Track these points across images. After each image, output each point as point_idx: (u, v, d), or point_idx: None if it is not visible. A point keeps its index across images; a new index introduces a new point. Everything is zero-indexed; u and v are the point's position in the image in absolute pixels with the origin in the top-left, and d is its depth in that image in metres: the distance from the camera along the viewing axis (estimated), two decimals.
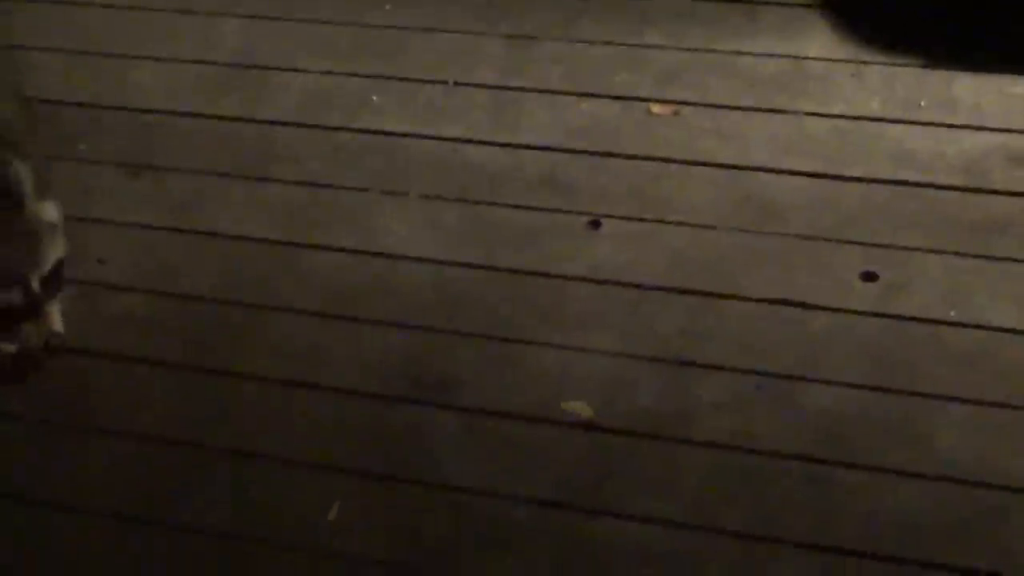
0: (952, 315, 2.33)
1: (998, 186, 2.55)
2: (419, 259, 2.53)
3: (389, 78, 2.93)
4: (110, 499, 2.09)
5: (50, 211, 2.18)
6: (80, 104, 2.96)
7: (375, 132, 2.81)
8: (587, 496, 2.04)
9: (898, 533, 2.00)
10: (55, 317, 2.20)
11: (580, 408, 2.21)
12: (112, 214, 2.63)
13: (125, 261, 2.52)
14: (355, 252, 2.55)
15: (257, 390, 2.28)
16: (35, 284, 2.11)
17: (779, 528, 2.01)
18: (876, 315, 2.34)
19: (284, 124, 2.86)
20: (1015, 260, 2.42)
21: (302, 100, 2.91)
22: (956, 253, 2.44)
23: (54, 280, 2.18)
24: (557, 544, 2.01)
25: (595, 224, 2.55)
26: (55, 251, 2.15)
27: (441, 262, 2.52)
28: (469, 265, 2.51)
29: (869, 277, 2.41)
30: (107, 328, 2.39)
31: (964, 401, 2.19)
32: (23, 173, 2.12)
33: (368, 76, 2.94)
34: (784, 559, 1.97)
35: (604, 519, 2.01)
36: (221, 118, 2.89)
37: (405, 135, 2.79)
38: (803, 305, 2.36)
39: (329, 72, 2.97)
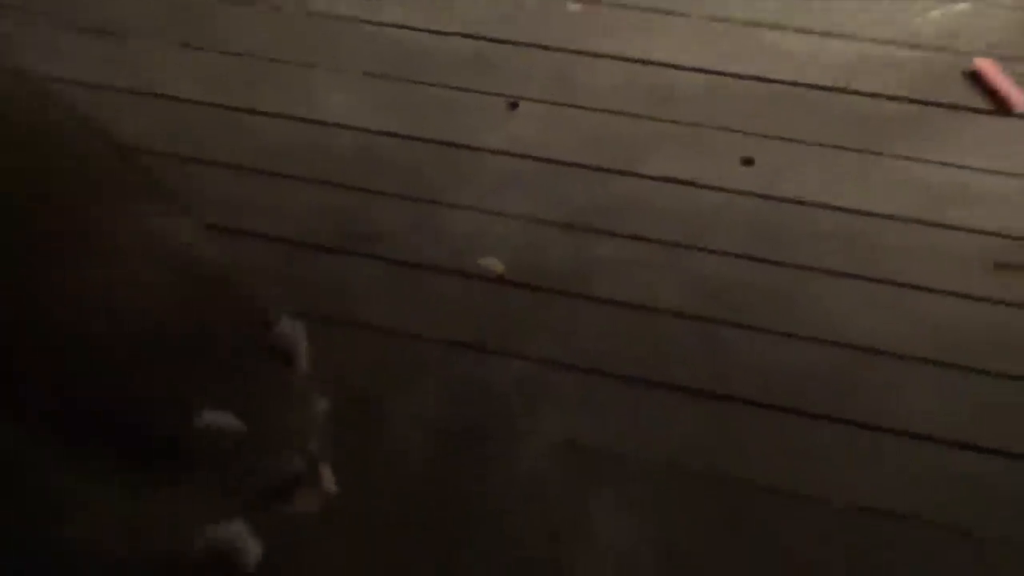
0: (819, 198, 2.26)
1: (860, 87, 2.50)
2: (352, 127, 2.43)
3: None
4: None
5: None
6: None
7: (323, 15, 2.65)
8: (495, 340, 1.95)
9: (779, 384, 1.94)
10: (328, 476, 1.58)
11: (493, 264, 2.14)
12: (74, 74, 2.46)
13: None
14: (292, 118, 2.42)
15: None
16: (313, 447, 1.56)
17: (673, 376, 1.95)
18: (753, 195, 2.26)
19: (238, 4, 2.69)
20: (872, 152, 2.34)
21: None
22: (824, 144, 2.36)
23: (325, 436, 1.62)
24: (463, 379, 1.92)
25: (514, 105, 2.43)
26: (322, 402, 1.57)
27: (372, 131, 2.42)
28: (397, 135, 2.40)
29: (748, 162, 2.32)
30: None
31: (831, 273, 2.12)
32: (299, 329, 1.51)
33: None
34: (680, 404, 1.91)
35: (508, 359, 1.92)
36: None
37: (351, 19, 2.64)
38: (692, 184, 2.28)
39: None
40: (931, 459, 1.80)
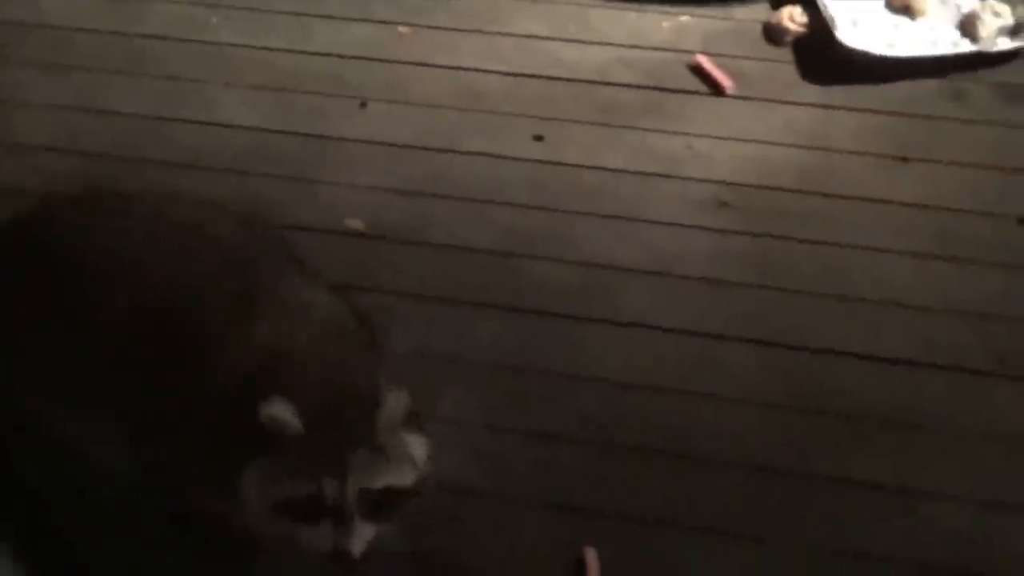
0: (586, 162, 2.39)
1: (615, 80, 2.58)
2: (244, 127, 2.48)
3: (228, 7, 2.79)
4: None
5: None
6: None
7: (217, 43, 2.71)
8: (361, 280, 2.04)
9: (556, 296, 2.11)
10: (359, 536, 1.35)
11: (356, 224, 2.23)
12: None
13: None
14: (199, 123, 2.50)
15: None
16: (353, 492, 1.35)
17: (484, 295, 2.09)
18: (542, 162, 2.39)
19: (156, 38, 2.73)
20: (624, 127, 2.47)
21: (167, 21, 2.77)
22: (590, 123, 2.49)
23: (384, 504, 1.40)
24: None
25: (363, 104, 2.54)
26: (398, 472, 1.38)
27: (258, 129, 2.47)
28: (277, 131, 2.46)
29: (538, 139, 2.44)
30: None
31: (591, 216, 2.28)
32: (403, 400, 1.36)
33: (210, 5, 2.81)
34: (490, 317, 2.06)
35: (373, 294, 2.01)
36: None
37: (238, 46, 2.70)
38: (498, 156, 2.40)
39: (178, 2, 2.82)
40: (655, 342, 2.01)
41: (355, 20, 2.74)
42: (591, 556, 1.70)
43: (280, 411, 1.30)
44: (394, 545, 1.60)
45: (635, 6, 2.75)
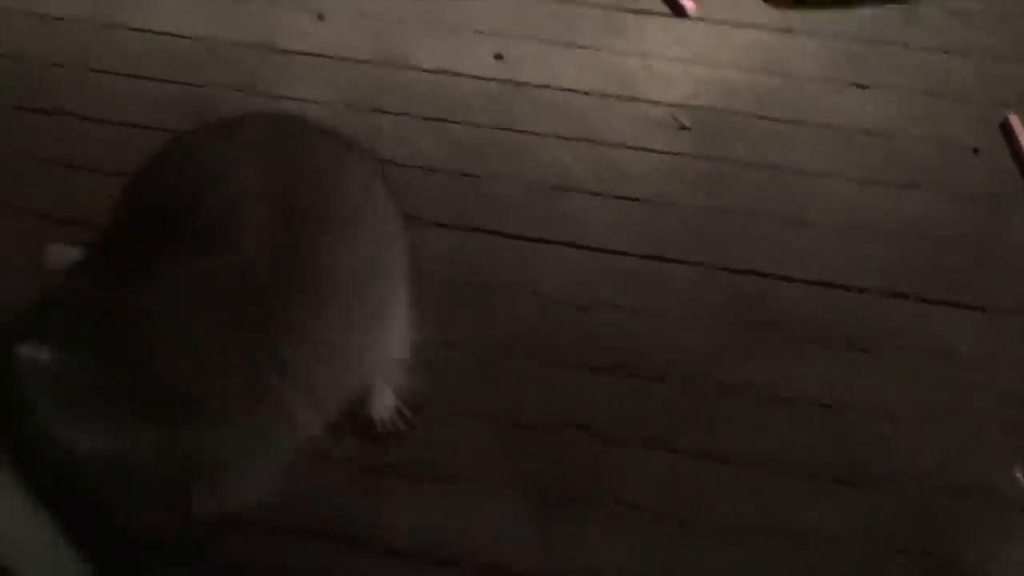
0: (546, 82, 2.39)
1: (576, 1, 2.56)
2: (191, 37, 2.46)
3: None
4: None
5: None
6: None
7: None
8: None
9: (507, 214, 2.13)
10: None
11: None
12: None
13: None
14: (145, 31, 2.48)
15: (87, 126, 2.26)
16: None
17: (433, 213, 2.10)
18: (502, 80, 2.39)
19: None
20: (574, 46, 2.48)
21: None
22: (550, 42, 2.49)
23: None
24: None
25: (321, 17, 2.52)
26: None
27: (206, 38, 2.45)
28: (230, 42, 2.44)
29: (498, 57, 2.44)
30: None
31: (550, 136, 2.29)
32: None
33: None
34: (439, 234, 2.08)
35: None
36: None
37: None
38: (456, 73, 2.40)
39: None
40: (603, 261, 2.04)
41: None
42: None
43: None
44: (346, 454, 1.68)
45: None
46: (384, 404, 1.73)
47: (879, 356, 1.96)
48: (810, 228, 2.16)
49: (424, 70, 2.40)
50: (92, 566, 1.38)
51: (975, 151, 2.33)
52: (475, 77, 2.39)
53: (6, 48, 2.41)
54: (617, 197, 2.17)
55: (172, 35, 2.45)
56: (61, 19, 2.48)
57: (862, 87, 2.44)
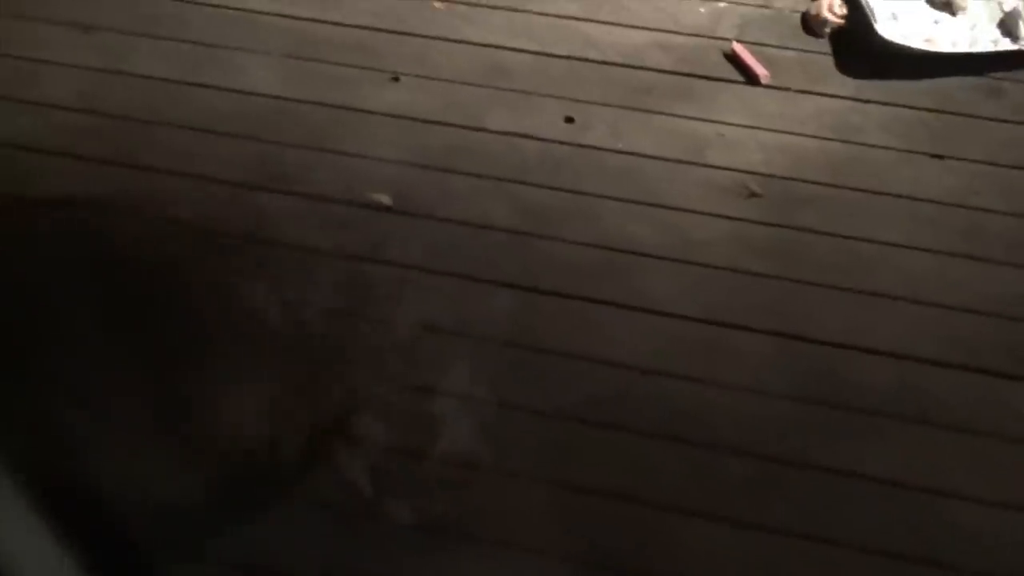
0: (613, 145, 2.41)
1: (647, 64, 2.58)
2: (267, 95, 2.50)
3: None
4: None
5: None
6: None
7: (244, 10, 2.73)
8: (377, 252, 2.14)
9: (573, 278, 2.12)
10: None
11: (382, 198, 2.24)
12: None
13: None
14: (224, 89, 2.53)
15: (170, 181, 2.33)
16: None
17: (499, 273, 2.11)
18: (572, 144, 2.40)
19: (187, 3, 2.76)
20: (655, 112, 2.49)
21: None
22: (620, 106, 2.49)
23: None
24: (352, 275, 2.10)
25: (396, 79, 2.56)
26: None
27: (286, 98, 2.49)
28: (306, 101, 2.49)
29: (569, 120, 2.45)
30: None
31: (614, 199, 2.30)
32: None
33: None
34: (504, 295, 2.08)
35: (388, 266, 2.11)
36: None
37: (268, 13, 2.73)
38: (527, 136, 2.41)
39: None
40: (671, 327, 2.02)
41: None
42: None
43: None
44: (401, 515, 1.67)
45: None
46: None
47: (955, 435, 1.90)
48: (883, 300, 2.12)
49: (495, 132, 2.41)
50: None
51: None
52: (545, 140, 2.40)
53: (87, 103, 2.49)
54: (684, 262, 2.14)
55: (248, 93, 2.49)
56: (140, 75, 2.55)
57: (939, 158, 2.41)
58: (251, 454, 1.43)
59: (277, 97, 2.49)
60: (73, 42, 2.61)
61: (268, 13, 2.73)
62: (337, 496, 1.74)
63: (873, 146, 2.44)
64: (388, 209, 2.22)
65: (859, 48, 2.59)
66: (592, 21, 2.70)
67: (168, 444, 1.49)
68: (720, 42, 2.63)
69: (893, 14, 2.66)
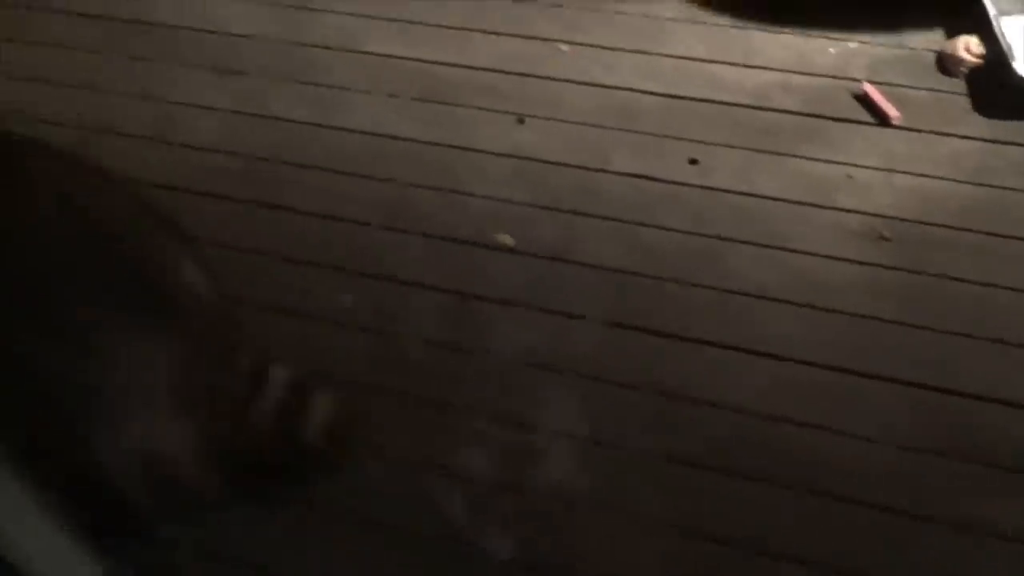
0: (740, 188, 2.39)
1: (774, 105, 2.57)
2: (399, 137, 2.56)
3: (396, 20, 2.93)
4: None
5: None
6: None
7: (379, 55, 2.82)
8: (508, 294, 2.16)
9: (695, 321, 2.11)
10: None
11: (506, 239, 2.26)
12: None
13: None
14: (355, 131, 2.60)
15: (302, 220, 2.39)
16: None
17: (625, 316, 2.10)
18: (695, 186, 2.39)
19: (326, 49, 2.86)
20: (782, 154, 2.45)
21: (334, 32, 2.91)
22: (747, 148, 2.48)
23: None
24: (466, 317, 2.12)
25: (521, 120, 2.60)
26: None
27: (414, 140, 2.54)
28: (434, 143, 2.53)
29: (693, 162, 2.44)
30: None
31: (741, 242, 2.27)
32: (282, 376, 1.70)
33: (376, 18, 2.94)
34: (629, 337, 2.07)
35: (507, 307, 2.12)
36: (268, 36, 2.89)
37: (400, 57, 2.81)
38: (650, 178, 2.41)
39: (347, 14, 2.96)
40: (796, 374, 1.98)
41: (516, 36, 2.81)
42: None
43: None
44: (503, 551, 1.69)
45: (800, 30, 2.74)
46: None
47: None
48: (1018, 349, 2.05)
49: (619, 173, 2.42)
50: (103, 566, 1.42)
51: None
52: (669, 182, 2.39)
53: (230, 144, 2.59)
54: (811, 307, 2.11)
55: (378, 135, 2.56)
56: (282, 119, 2.63)
57: None
58: None
59: (411, 140, 2.54)
60: (218, 85, 2.72)
61: (398, 57, 2.81)
62: (433, 529, 1.75)
63: (1009, 189, 2.36)
64: (511, 250, 2.23)
65: (996, 88, 2.54)
66: (719, 63, 2.70)
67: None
68: (850, 83, 2.60)
69: None
